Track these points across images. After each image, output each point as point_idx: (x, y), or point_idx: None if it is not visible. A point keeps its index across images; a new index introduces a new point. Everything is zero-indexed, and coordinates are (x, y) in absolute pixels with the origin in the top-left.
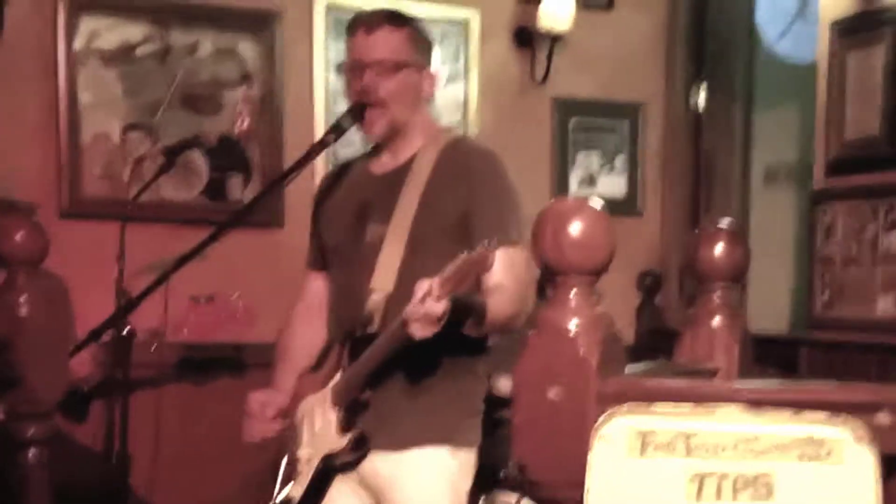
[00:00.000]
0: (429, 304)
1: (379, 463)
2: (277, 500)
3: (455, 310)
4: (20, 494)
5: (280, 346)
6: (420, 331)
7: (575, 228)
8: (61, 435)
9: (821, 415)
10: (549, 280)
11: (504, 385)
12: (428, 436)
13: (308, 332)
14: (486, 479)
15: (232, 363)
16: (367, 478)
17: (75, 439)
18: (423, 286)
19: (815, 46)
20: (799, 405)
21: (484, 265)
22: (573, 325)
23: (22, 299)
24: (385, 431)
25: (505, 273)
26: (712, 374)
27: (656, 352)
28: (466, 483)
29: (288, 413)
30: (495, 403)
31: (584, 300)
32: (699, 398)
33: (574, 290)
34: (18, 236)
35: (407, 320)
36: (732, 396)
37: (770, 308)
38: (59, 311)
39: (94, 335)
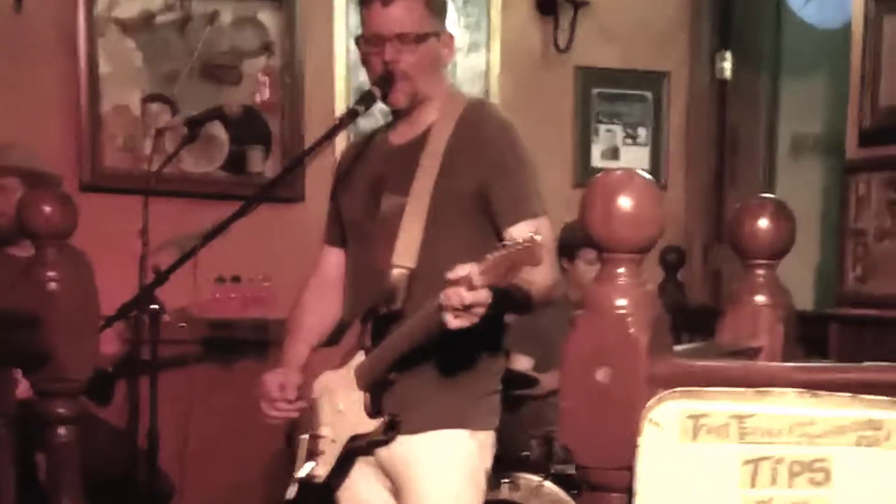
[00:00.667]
0: (465, 293)
1: (396, 446)
2: (299, 477)
3: (496, 301)
4: (48, 473)
5: (292, 320)
6: (456, 321)
7: (624, 202)
8: (88, 413)
9: (881, 397)
10: (568, 255)
11: (523, 363)
12: (445, 418)
13: (321, 307)
14: (507, 459)
15: (256, 341)
16: (384, 461)
17: (101, 418)
18: (459, 273)
19: (844, 12)
20: (858, 387)
21: (532, 260)
22: (622, 303)
23: (51, 274)
24: (403, 414)
25: None
26: (755, 353)
27: (680, 330)
28: (485, 464)
29: (304, 390)
30: (514, 382)
31: (634, 278)
32: (753, 380)
33: (623, 268)
34: (47, 209)
35: (443, 308)
36: (788, 378)
37: (795, 284)
38: (87, 287)
39: (125, 311)
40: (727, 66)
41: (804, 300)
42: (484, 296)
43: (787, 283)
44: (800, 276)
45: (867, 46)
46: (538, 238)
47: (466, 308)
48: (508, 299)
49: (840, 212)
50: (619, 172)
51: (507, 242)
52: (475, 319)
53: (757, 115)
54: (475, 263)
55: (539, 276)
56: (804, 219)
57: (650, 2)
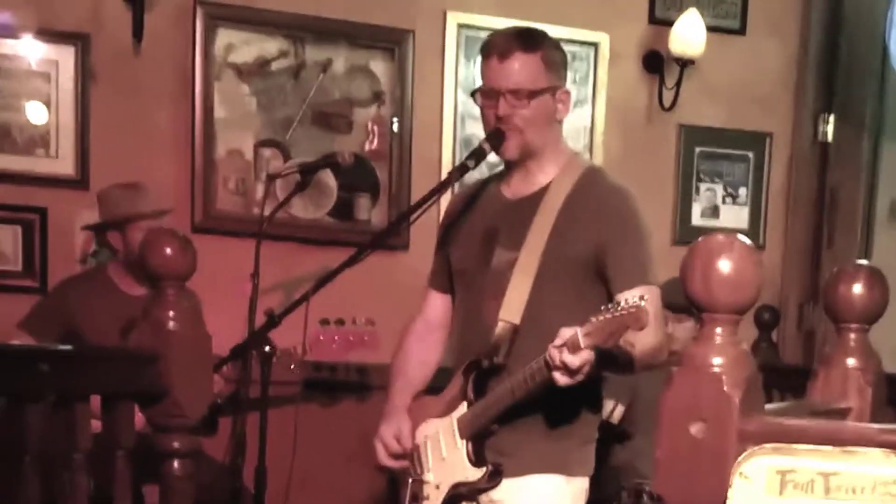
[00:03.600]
0: (567, 356)
1: (496, 489)
2: None
3: (599, 361)
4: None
5: (396, 365)
6: (563, 380)
7: (724, 266)
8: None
9: None
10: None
11: (617, 412)
12: (545, 464)
13: (424, 351)
14: None
15: (356, 384)
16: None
17: (205, 454)
18: (565, 335)
19: None
20: None
21: (637, 324)
22: (718, 362)
23: (170, 314)
24: (504, 460)
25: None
26: (844, 413)
27: (772, 389)
28: None
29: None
30: (607, 430)
31: (730, 338)
32: (840, 439)
33: (720, 328)
34: (169, 251)
35: (549, 366)
36: (874, 438)
37: (890, 347)
38: (201, 326)
39: (239, 351)
40: (830, 128)
41: None
42: (588, 357)
43: (880, 346)
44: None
45: None
46: (643, 304)
47: (569, 370)
48: (612, 360)
49: None
50: (719, 236)
51: (611, 305)
52: (581, 378)
53: (857, 178)
54: (580, 326)
55: (645, 340)
56: None
57: (755, 63)
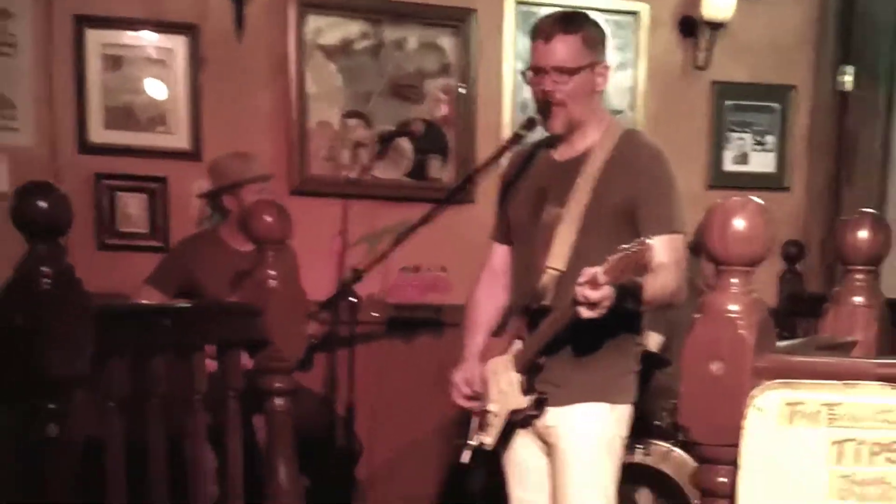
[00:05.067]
0: (588, 291)
1: (548, 417)
2: (472, 444)
3: (618, 296)
4: (268, 434)
5: (468, 314)
6: (586, 313)
7: (738, 224)
8: (297, 385)
9: None
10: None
11: (654, 339)
12: (590, 393)
13: (492, 298)
14: (641, 428)
15: (433, 322)
16: (539, 429)
17: (307, 389)
18: (587, 273)
19: None
20: None
21: (642, 260)
22: (734, 308)
23: (271, 274)
24: (555, 390)
25: (667, 255)
26: (852, 346)
27: (797, 316)
28: (623, 433)
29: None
30: (647, 359)
31: (744, 287)
32: (842, 374)
33: (735, 278)
34: (269, 219)
35: (576, 303)
36: (872, 372)
37: None
38: (297, 281)
39: (328, 304)
40: (848, 79)
41: None
42: (607, 292)
43: (893, 275)
44: None
45: None
46: (649, 242)
47: (595, 303)
48: (629, 294)
49: None
50: (735, 199)
51: (625, 246)
52: (603, 311)
53: (874, 124)
54: (599, 266)
55: (658, 278)
56: None
57: (779, 22)
